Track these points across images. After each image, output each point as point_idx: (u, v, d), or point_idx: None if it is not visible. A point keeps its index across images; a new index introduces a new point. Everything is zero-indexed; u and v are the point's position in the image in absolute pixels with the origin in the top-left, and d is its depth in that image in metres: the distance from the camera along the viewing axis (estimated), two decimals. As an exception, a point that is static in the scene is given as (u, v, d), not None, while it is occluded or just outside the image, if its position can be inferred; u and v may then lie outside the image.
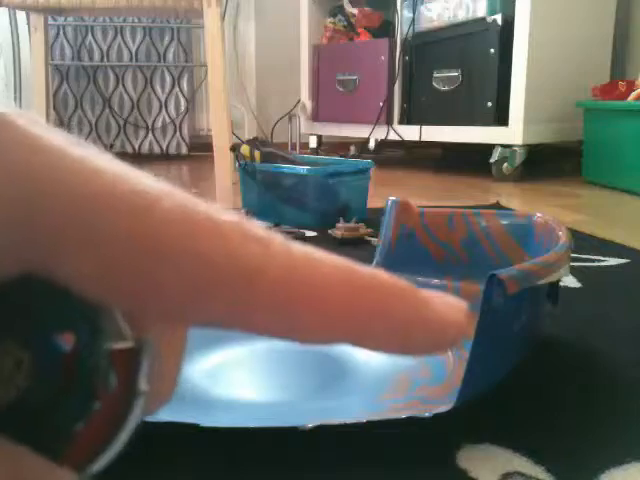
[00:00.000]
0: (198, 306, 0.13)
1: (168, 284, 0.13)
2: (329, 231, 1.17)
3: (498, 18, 1.97)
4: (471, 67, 2.08)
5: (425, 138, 2.24)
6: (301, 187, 1.28)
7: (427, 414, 0.44)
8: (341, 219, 1.17)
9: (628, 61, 2.28)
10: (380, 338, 0.14)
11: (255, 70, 3.02)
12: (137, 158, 2.83)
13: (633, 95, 1.83)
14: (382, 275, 0.14)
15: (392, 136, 2.35)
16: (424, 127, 2.23)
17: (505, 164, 2.02)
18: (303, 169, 1.29)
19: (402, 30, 2.31)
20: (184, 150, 2.84)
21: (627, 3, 2.27)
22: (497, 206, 1.54)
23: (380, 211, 0.85)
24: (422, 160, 2.72)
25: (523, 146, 1.98)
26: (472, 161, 2.44)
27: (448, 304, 0.16)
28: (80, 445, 0.16)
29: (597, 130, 1.94)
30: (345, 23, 2.59)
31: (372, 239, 1.16)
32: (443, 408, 0.44)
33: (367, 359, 0.59)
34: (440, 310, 0.15)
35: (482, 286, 0.44)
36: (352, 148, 2.77)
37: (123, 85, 2.80)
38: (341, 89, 2.55)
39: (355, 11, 2.55)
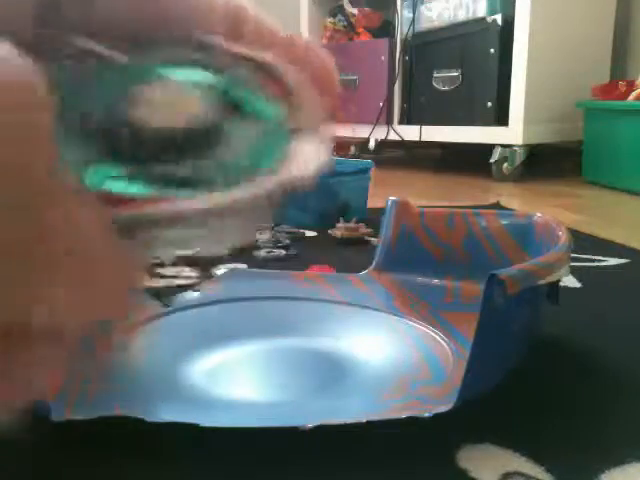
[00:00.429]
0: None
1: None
2: (329, 231, 1.17)
3: (498, 18, 1.97)
4: (471, 67, 2.08)
5: (425, 138, 2.24)
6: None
7: (427, 414, 0.44)
8: (341, 219, 1.17)
9: (628, 61, 2.28)
10: None
11: (255, 70, 3.02)
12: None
13: (633, 95, 1.83)
14: None
15: (392, 136, 2.35)
16: (424, 127, 2.23)
17: (505, 164, 2.02)
18: (303, 169, 1.28)
19: (402, 30, 2.30)
20: (184, 150, 2.83)
21: (627, 3, 2.27)
22: (497, 206, 1.54)
23: (380, 211, 0.85)
24: (422, 160, 2.72)
25: (523, 146, 1.98)
26: (472, 161, 2.44)
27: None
28: None
29: (597, 130, 1.94)
30: (345, 23, 2.59)
31: (372, 239, 1.16)
32: (443, 408, 0.44)
33: (367, 359, 0.59)
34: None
35: (482, 286, 0.44)
36: (352, 148, 2.77)
37: (123, 85, 2.80)
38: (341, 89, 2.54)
39: (355, 11, 2.55)
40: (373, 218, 1.30)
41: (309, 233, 1.23)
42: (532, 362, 0.59)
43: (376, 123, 2.36)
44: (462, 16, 2.09)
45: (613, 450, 0.45)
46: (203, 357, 0.59)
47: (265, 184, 0.19)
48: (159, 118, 0.18)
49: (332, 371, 0.57)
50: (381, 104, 2.35)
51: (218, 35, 0.21)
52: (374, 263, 0.80)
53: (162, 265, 0.98)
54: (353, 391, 0.53)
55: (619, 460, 0.43)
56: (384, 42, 2.36)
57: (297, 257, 1.04)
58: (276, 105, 0.20)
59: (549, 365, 0.59)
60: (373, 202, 1.42)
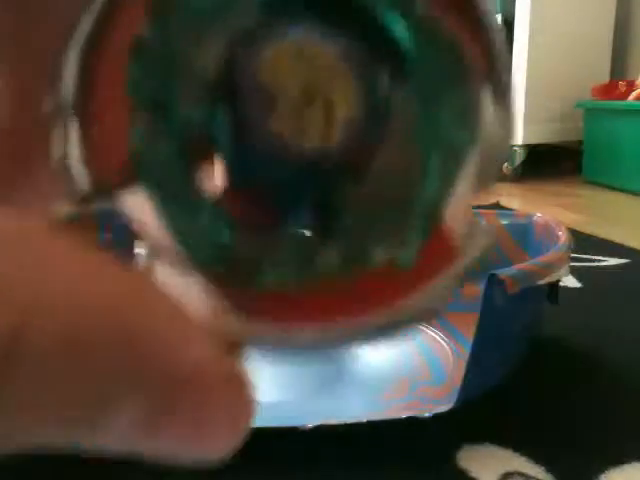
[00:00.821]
0: None
1: None
2: (329, 231, 1.17)
3: (498, 18, 1.97)
4: (471, 67, 2.08)
5: (425, 138, 2.24)
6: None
7: (427, 414, 0.44)
8: (341, 219, 1.17)
9: (628, 61, 2.28)
10: None
11: (255, 70, 3.02)
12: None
13: (633, 95, 1.83)
14: None
15: (392, 136, 2.34)
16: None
17: (505, 164, 2.02)
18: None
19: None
20: (184, 150, 2.84)
21: (627, 3, 2.27)
22: (497, 206, 1.54)
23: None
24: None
25: (523, 146, 1.98)
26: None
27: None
28: None
29: (597, 130, 1.94)
30: (345, 23, 2.59)
31: (372, 239, 1.15)
32: (443, 408, 0.44)
33: (367, 359, 0.59)
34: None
35: (482, 286, 0.44)
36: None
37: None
38: (341, 89, 2.55)
39: (355, 11, 2.56)
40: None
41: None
42: (532, 362, 0.59)
43: (376, 123, 2.36)
44: (462, 16, 2.09)
45: (613, 450, 0.45)
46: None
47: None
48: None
49: (332, 371, 0.57)
50: (381, 104, 2.35)
51: None
52: (374, 263, 0.80)
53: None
54: (353, 391, 0.53)
55: (619, 460, 0.43)
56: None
57: (297, 257, 1.03)
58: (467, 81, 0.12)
59: (549, 365, 0.59)
60: (373, 202, 1.42)
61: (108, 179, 0.12)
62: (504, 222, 0.73)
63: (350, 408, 0.50)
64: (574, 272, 0.92)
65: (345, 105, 0.12)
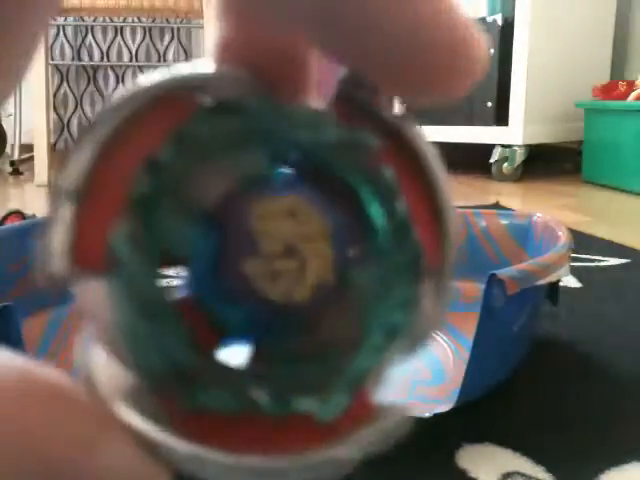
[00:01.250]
0: None
1: None
2: (329, 231, 1.17)
3: (498, 18, 1.97)
4: (471, 67, 2.08)
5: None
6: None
7: (427, 414, 0.44)
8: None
9: (628, 61, 2.28)
10: None
11: (255, 70, 3.02)
12: (137, 158, 2.82)
13: (633, 95, 1.83)
14: None
15: (392, 136, 2.34)
16: (424, 127, 2.23)
17: (505, 164, 2.02)
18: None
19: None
20: (184, 150, 2.84)
21: (627, 3, 2.27)
22: (497, 206, 1.54)
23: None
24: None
25: (523, 146, 1.98)
26: (472, 161, 2.44)
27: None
28: None
29: (597, 130, 1.94)
30: (345, 23, 2.59)
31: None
32: (443, 408, 0.44)
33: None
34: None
35: (482, 286, 0.44)
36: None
37: (123, 85, 2.80)
38: (341, 89, 2.55)
39: (355, 11, 2.56)
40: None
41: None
42: (532, 362, 0.59)
43: (376, 123, 2.36)
44: (462, 16, 2.09)
45: (613, 450, 0.45)
46: (203, 357, 0.59)
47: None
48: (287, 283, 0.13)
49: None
50: (381, 104, 2.35)
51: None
52: (374, 263, 0.80)
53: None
54: (353, 391, 0.53)
55: (619, 460, 0.43)
56: (384, 42, 2.36)
57: (297, 257, 1.03)
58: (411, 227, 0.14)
59: (549, 365, 0.59)
60: (373, 202, 1.42)
61: (81, 265, 0.13)
62: (504, 222, 0.73)
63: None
64: (574, 272, 0.92)
65: (319, 270, 0.13)
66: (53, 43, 2.71)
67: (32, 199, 1.70)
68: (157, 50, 2.79)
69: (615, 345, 0.64)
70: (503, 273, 0.45)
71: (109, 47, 2.77)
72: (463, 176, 2.19)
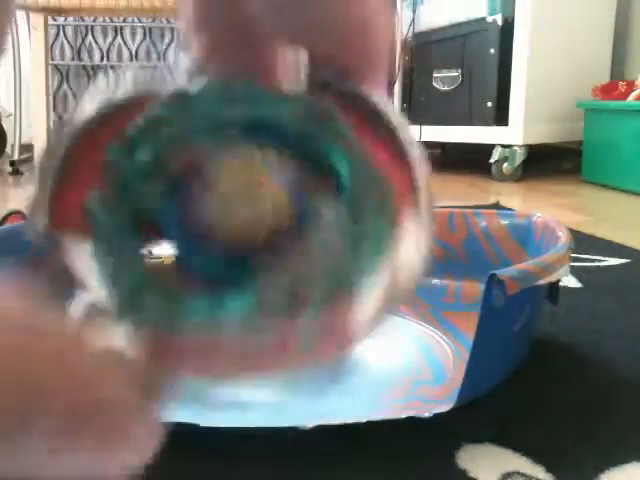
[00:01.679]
0: None
1: None
2: (329, 231, 1.17)
3: (498, 18, 1.97)
4: (471, 67, 2.08)
5: (425, 138, 2.24)
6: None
7: (427, 414, 0.44)
8: (341, 219, 1.17)
9: (628, 61, 2.28)
10: None
11: (255, 70, 3.02)
12: (137, 158, 2.82)
13: (633, 95, 1.83)
14: None
15: (392, 136, 2.34)
16: (424, 127, 2.23)
17: (505, 164, 2.02)
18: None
19: (402, 30, 2.30)
20: (184, 150, 2.84)
21: (627, 3, 2.27)
22: (497, 206, 1.54)
23: (380, 211, 0.85)
24: (422, 160, 2.71)
25: (523, 146, 1.98)
26: (472, 161, 2.44)
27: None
28: None
29: (597, 130, 1.94)
30: (345, 23, 2.59)
31: (372, 239, 1.15)
32: (443, 408, 0.44)
33: (367, 359, 0.59)
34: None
35: (482, 286, 0.44)
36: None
37: (123, 85, 2.80)
38: (341, 89, 2.55)
39: (355, 11, 2.56)
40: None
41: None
42: (532, 362, 0.59)
43: (376, 123, 2.36)
44: (462, 16, 2.09)
45: (613, 450, 0.45)
46: (203, 357, 0.59)
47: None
48: (236, 209, 0.14)
49: (332, 371, 0.57)
50: (381, 104, 2.35)
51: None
52: (374, 263, 0.80)
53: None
54: (353, 391, 0.53)
55: (619, 460, 0.43)
56: (384, 42, 2.36)
57: (297, 257, 1.03)
58: (380, 177, 0.15)
59: (549, 365, 0.59)
60: (373, 202, 1.42)
61: (62, 227, 0.15)
62: (504, 222, 0.73)
63: (350, 408, 0.50)
64: (574, 272, 0.92)
65: (278, 213, 0.14)
66: (53, 43, 2.71)
67: (32, 199, 1.70)
68: (157, 50, 2.79)
69: (615, 345, 0.64)
70: (503, 273, 0.45)
71: (109, 47, 2.77)
72: (463, 176, 2.19)
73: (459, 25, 2.10)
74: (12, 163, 2.25)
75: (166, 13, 2.07)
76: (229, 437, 0.45)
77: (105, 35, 2.75)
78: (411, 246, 0.15)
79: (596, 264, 0.98)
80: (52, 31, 2.70)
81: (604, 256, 1.03)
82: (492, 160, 2.04)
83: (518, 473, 0.42)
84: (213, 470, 0.42)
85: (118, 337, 0.14)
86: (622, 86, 1.89)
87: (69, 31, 2.74)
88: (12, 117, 2.40)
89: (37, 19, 1.90)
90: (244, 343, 0.13)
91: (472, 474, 0.42)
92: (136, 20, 2.73)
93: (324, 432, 0.43)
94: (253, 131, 0.15)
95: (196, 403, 0.51)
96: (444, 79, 2.17)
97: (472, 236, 0.74)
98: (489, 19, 1.99)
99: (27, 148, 2.31)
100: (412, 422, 0.44)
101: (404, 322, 0.67)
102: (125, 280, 0.14)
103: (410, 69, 2.30)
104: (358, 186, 0.14)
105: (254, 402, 0.51)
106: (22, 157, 2.33)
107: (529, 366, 0.58)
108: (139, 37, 2.76)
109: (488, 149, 2.06)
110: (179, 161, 0.15)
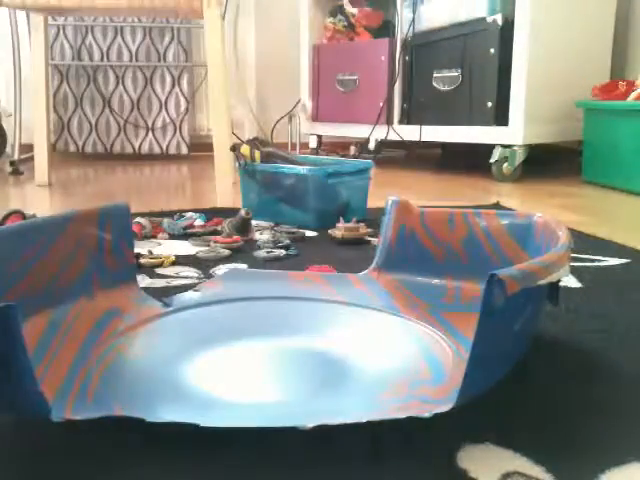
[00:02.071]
0: None
1: None
2: (329, 231, 1.17)
3: (498, 18, 1.97)
4: (471, 67, 2.08)
5: (425, 138, 2.24)
6: (301, 187, 1.28)
7: (427, 414, 0.44)
8: (341, 219, 1.17)
9: (628, 61, 2.28)
10: None
11: (255, 70, 3.02)
12: (137, 158, 2.83)
13: (633, 95, 1.83)
14: None
15: (392, 136, 2.35)
16: (424, 127, 2.23)
17: (505, 164, 2.02)
18: (303, 169, 1.29)
19: (402, 30, 2.30)
20: (184, 150, 2.84)
21: (627, 3, 2.27)
22: (497, 206, 1.54)
23: (380, 211, 0.85)
24: (422, 160, 2.72)
25: (523, 146, 1.98)
26: (472, 161, 2.44)
27: None
28: None
29: (597, 130, 1.94)
30: (345, 23, 2.59)
31: (372, 239, 1.16)
32: (443, 408, 0.44)
33: (367, 359, 0.59)
34: None
35: (482, 286, 0.44)
36: (352, 148, 2.77)
37: (123, 85, 2.80)
38: (341, 89, 2.54)
39: (355, 11, 2.55)
40: (373, 218, 1.31)
41: (309, 233, 1.23)
42: (532, 362, 0.59)
43: (376, 123, 2.36)
44: (462, 16, 2.09)
45: (613, 450, 0.45)
46: (203, 357, 0.59)
47: None
48: None
49: (332, 371, 0.57)
50: (381, 104, 2.35)
51: None
52: (374, 263, 0.80)
53: (162, 265, 0.98)
54: (353, 391, 0.53)
55: (619, 460, 0.43)
56: (384, 42, 2.36)
57: (297, 257, 1.04)
58: None
59: (549, 365, 0.59)
60: (373, 202, 1.42)
61: None
62: (504, 222, 0.73)
63: (350, 408, 0.50)
64: (574, 272, 0.92)
65: None
66: (53, 43, 2.71)
67: (32, 199, 1.70)
68: (157, 50, 2.79)
69: (615, 345, 0.64)
70: (503, 273, 0.45)
71: (109, 47, 2.77)
72: (463, 176, 2.19)
73: (459, 25, 2.10)
74: (12, 163, 2.25)
75: (166, 13, 2.07)
76: (229, 437, 0.45)
77: (105, 35, 2.75)
78: None
79: (596, 264, 0.98)
80: (52, 31, 2.70)
81: (604, 256, 1.03)
82: (492, 160, 2.04)
83: (518, 473, 0.42)
84: (213, 470, 0.42)
85: None
86: (622, 86, 1.89)
87: (69, 31, 2.74)
88: (12, 117, 2.40)
89: (37, 19, 1.90)
90: None
91: (472, 474, 0.42)
92: (136, 20, 2.73)
93: (324, 432, 0.43)
94: None
95: (196, 403, 0.51)
96: (444, 79, 2.17)
97: (472, 236, 0.74)
98: (489, 19, 1.99)
99: (27, 148, 2.31)
100: (412, 422, 0.44)
101: (404, 322, 0.67)
102: None
103: (410, 69, 2.30)
104: None
105: (254, 402, 0.51)
106: (22, 157, 2.33)
107: (529, 366, 0.58)
108: (139, 37, 2.76)
109: (488, 149, 2.06)
110: None
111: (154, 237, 1.19)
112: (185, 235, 1.20)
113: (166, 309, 0.70)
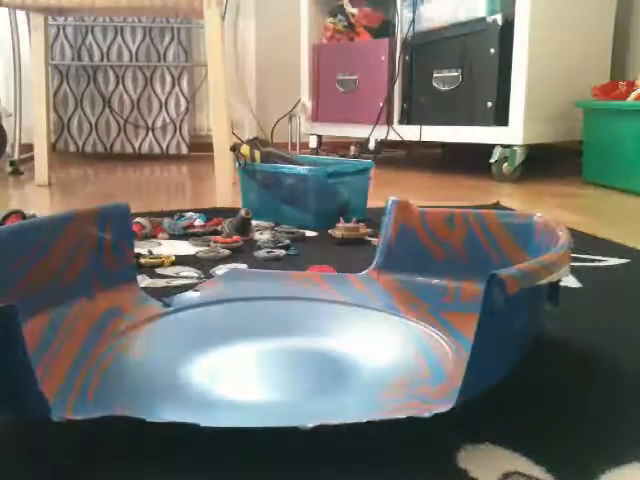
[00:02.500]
0: None
1: None
2: (329, 231, 1.17)
3: (498, 18, 1.97)
4: (471, 67, 2.08)
5: (425, 138, 2.24)
6: (301, 187, 1.28)
7: (427, 414, 0.44)
8: (341, 219, 1.17)
9: (628, 61, 2.28)
10: None
11: (255, 70, 3.02)
12: (137, 158, 2.83)
13: (633, 95, 1.83)
14: None
15: (392, 136, 2.35)
16: (424, 127, 2.23)
17: (505, 164, 2.02)
18: (303, 169, 1.29)
19: (402, 30, 2.30)
20: (184, 150, 2.84)
21: (627, 3, 2.27)
22: (497, 206, 1.54)
23: (380, 211, 0.85)
24: (422, 160, 2.72)
25: (523, 146, 1.98)
26: (472, 161, 2.44)
27: None
28: None
29: (597, 130, 1.94)
30: (345, 23, 2.59)
31: (372, 239, 1.16)
32: (443, 408, 0.44)
33: (367, 359, 0.59)
34: None
35: (482, 286, 0.44)
36: (352, 148, 2.77)
37: (123, 85, 2.80)
38: (341, 89, 2.54)
39: (355, 11, 2.55)
40: (373, 218, 1.31)
41: (309, 233, 1.23)
42: (532, 362, 0.59)
43: (376, 123, 2.36)
44: (462, 16, 2.09)
45: (613, 450, 0.45)
46: (203, 357, 0.59)
47: None
48: None
49: (332, 371, 0.57)
50: (381, 104, 2.35)
51: None
52: (374, 263, 0.80)
53: (162, 265, 0.98)
54: (353, 391, 0.53)
55: (619, 460, 0.43)
56: (384, 42, 2.36)
57: (297, 257, 1.04)
58: None
59: (549, 365, 0.59)
60: (373, 202, 1.42)
61: None
62: (504, 222, 0.73)
63: (350, 408, 0.50)
64: (574, 272, 0.92)
65: None
66: (53, 43, 2.71)
67: (32, 199, 1.70)
68: (157, 50, 2.79)
69: (615, 345, 0.64)
70: (503, 273, 0.45)
71: (109, 47, 2.77)
72: (463, 176, 2.19)
73: (459, 25, 2.10)
74: (12, 163, 2.25)
75: (166, 13, 2.07)
76: (229, 437, 0.45)
77: (105, 35, 2.75)
78: None
79: (596, 264, 0.98)
80: (52, 31, 2.70)
81: (604, 256, 1.03)
82: (492, 160, 2.04)
83: (518, 473, 0.42)
84: (213, 470, 0.42)
85: None
86: (622, 86, 1.89)
87: (69, 31, 2.74)
88: (12, 117, 2.40)
89: (37, 19, 1.90)
90: None
91: (472, 474, 0.42)
92: (136, 20, 2.73)
93: (324, 432, 0.43)
94: None
95: (196, 403, 0.51)
96: (444, 79, 2.17)
97: (472, 236, 0.74)
98: (489, 19, 1.99)
99: (27, 148, 2.31)
100: (412, 422, 0.44)
101: (404, 322, 0.67)
102: None
103: (410, 69, 2.30)
104: None
105: (254, 402, 0.51)
106: (22, 157, 2.33)
107: (529, 366, 0.58)
108: (139, 37, 2.76)
109: (488, 149, 2.06)
110: None
111: (154, 237, 1.19)
112: (185, 235, 1.20)
113: (166, 309, 0.70)
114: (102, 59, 2.77)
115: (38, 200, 1.68)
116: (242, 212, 1.15)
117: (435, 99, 2.21)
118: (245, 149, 1.36)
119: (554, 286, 0.58)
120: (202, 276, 0.92)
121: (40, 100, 1.92)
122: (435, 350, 0.60)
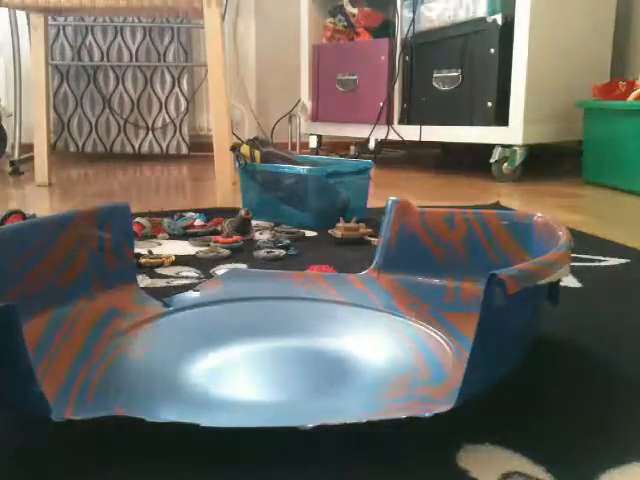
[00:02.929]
0: None
1: None
2: (329, 231, 1.17)
3: (498, 18, 1.97)
4: (471, 67, 2.08)
5: (425, 138, 2.24)
6: (301, 187, 1.28)
7: (427, 414, 0.44)
8: (341, 219, 1.17)
9: (628, 61, 2.28)
10: None
11: (255, 70, 3.02)
12: (137, 158, 2.83)
13: (633, 95, 1.83)
14: None
15: (392, 136, 2.35)
16: (424, 127, 2.23)
17: (505, 164, 2.02)
18: (303, 169, 1.29)
19: (402, 30, 2.30)
20: (184, 150, 2.84)
21: (627, 3, 2.27)
22: (497, 206, 1.54)
23: (380, 211, 0.85)
24: (422, 160, 2.72)
25: (523, 146, 1.98)
26: (472, 161, 2.44)
27: None
28: None
29: (597, 130, 1.94)
30: (345, 23, 2.59)
31: (372, 239, 1.16)
32: (443, 408, 0.44)
33: (367, 359, 0.59)
34: None
35: (482, 286, 0.44)
36: (352, 148, 2.76)
37: (123, 85, 2.80)
38: (341, 89, 2.54)
39: (355, 11, 2.55)
40: (373, 218, 1.31)
41: (309, 233, 1.23)
42: (532, 362, 0.59)
43: (376, 123, 2.36)
44: (462, 16, 2.09)
45: (613, 450, 0.45)
46: (203, 357, 0.59)
47: None
48: None
49: (332, 371, 0.57)
50: (381, 104, 2.35)
51: None
52: (374, 263, 0.80)
53: (162, 265, 0.98)
54: (353, 391, 0.53)
55: (619, 460, 0.43)
56: (384, 42, 2.36)
57: (297, 257, 1.04)
58: None
59: (549, 365, 0.59)
60: (373, 202, 1.42)
61: None
62: (504, 222, 0.73)
63: (350, 408, 0.50)
64: (574, 272, 0.92)
65: None
66: (53, 43, 2.71)
67: (32, 199, 1.70)
68: (157, 50, 2.79)
69: (615, 345, 0.64)
70: (503, 273, 0.45)
71: (109, 47, 2.77)
72: (463, 176, 2.19)
73: (459, 25, 2.10)
74: (12, 163, 2.25)
75: (166, 13, 2.07)
76: (229, 437, 0.45)
77: (105, 35, 2.75)
78: None
79: (596, 264, 0.98)
80: (52, 31, 2.70)
81: (604, 256, 1.03)
82: (492, 160, 2.04)
83: (518, 473, 0.42)
84: (213, 470, 0.42)
85: None
86: (622, 86, 1.89)
87: (69, 31, 2.73)
88: (12, 117, 2.40)
89: (37, 19, 1.90)
90: None
91: (472, 474, 0.42)
92: (136, 20, 2.73)
93: (324, 432, 0.43)
94: None
95: (196, 403, 0.51)
96: (444, 79, 2.17)
97: (472, 236, 0.74)
98: (489, 19, 1.99)
99: (27, 148, 2.31)
100: (412, 422, 0.44)
101: (404, 322, 0.67)
102: None
103: (410, 69, 2.30)
104: None
105: (254, 402, 0.51)
106: (22, 157, 2.33)
107: (529, 366, 0.58)
108: (139, 37, 2.76)
109: (488, 149, 2.06)
110: None
111: (154, 237, 1.19)
112: (185, 235, 1.20)
113: (166, 309, 0.70)
114: (102, 59, 2.77)
115: (38, 200, 1.68)
116: (242, 212, 1.15)
117: (435, 99, 2.21)
118: (245, 149, 1.36)
119: (554, 286, 0.58)
120: (202, 276, 0.92)
121: (40, 100, 1.92)
122: (435, 350, 0.60)
